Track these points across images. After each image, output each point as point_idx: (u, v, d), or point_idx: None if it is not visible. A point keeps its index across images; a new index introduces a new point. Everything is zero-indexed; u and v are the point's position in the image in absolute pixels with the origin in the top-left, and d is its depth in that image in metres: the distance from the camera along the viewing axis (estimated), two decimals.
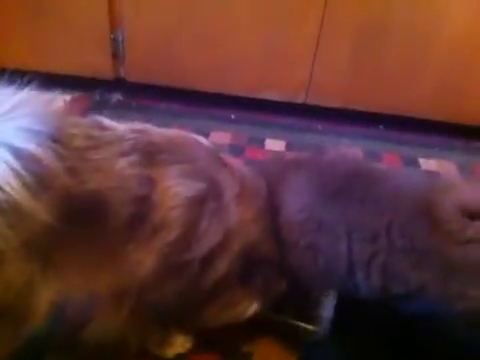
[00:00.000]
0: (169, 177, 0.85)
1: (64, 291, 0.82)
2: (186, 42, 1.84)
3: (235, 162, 1.06)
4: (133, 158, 0.82)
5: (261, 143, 1.82)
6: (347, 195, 1.02)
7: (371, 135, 1.94)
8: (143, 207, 0.82)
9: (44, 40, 1.87)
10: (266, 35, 1.80)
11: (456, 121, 1.92)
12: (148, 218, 0.82)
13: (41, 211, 0.68)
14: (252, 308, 1.01)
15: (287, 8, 1.74)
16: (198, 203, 0.87)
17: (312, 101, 1.93)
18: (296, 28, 1.79)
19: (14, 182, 0.65)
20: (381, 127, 1.99)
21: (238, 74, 1.89)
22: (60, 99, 1.84)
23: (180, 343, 1.04)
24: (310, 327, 1.01)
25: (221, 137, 1.81)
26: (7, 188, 0.65)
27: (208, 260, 0.89)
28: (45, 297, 0.79)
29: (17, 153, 0.67)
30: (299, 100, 1.93)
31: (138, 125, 0.93)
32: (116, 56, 1.89)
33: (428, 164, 1.81)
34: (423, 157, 1.84)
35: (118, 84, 1.96)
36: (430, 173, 1.75)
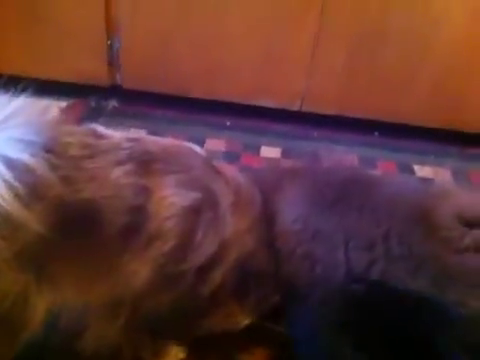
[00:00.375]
0: (164, 187, 0.85)
1: (59, 301, 0.81)
2: (182, 49, 1.84)
3: (230, 170, 1.06)
4: (128, 167, 0.82)
5: (256, 150, 1.82)
6: (344, 203, 1.02)
7: (366, 142, 1.94)
8: (138, 217, 0.81)
9: (40, 47, 1.86)
10: (262, 42, 1.80)
11: (451, 128, 1.93)
12: (143, 228, 0.82)
13: (34, 222, 0.67)
14: (246, 319, 1.01)
15: (283, 15, 1.75)
16: (193, 213, 0.87)
17: (308, 108, 1.93)
18: (292, 35, 1.79)
19: (7, 193, 0.65)
20: (376, 134, 1.99)
21: (233, 81, 1.89)
22: (55, 106, 1.84)
23: (174, 353, 1.04)
24: None
25: (216, 144, 1.81)
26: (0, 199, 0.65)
27: (203, 270, 0.89)
28: (40, 307, 0.78)
29: (10, 164, 0.67)
30: (295, 107, 1.93)
31: (134, 134, 0.93)
32: (112, 63, 1.89)
33: (423, 171, 1.81)
34: (418, 164, 1.84)
35: (114, 91, 1.96)
36: (425, 180, 1.75)
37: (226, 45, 1.82)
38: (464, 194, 1.10)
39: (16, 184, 0.66)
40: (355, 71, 1.84)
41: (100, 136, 0.86)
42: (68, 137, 0.80)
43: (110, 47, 1.85)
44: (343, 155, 1.84)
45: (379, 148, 1.91)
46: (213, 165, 0.99)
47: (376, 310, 0.92)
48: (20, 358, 0.82)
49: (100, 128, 0.89)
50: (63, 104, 1.90)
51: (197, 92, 1.93)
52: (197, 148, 1.01)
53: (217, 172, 0.97)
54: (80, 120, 1.82)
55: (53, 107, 1.83)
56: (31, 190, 0.68)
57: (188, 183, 0.88)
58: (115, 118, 1.88)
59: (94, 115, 1.88)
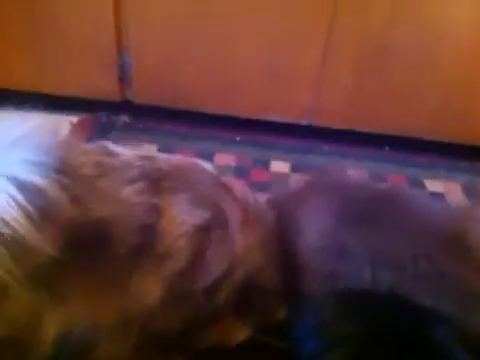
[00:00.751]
0: (175, 205, 0.85)
1: (71, 321, 0.82)
2: (192, 65, 1.85)
3: (240, 186, 1.06)
4: (140, 185, 0.83)
5: (266, 165, 1.82)
6: (373, 220, 1.00)
7: (377, 156, 1.93)
8: (149, 235, 0.82)
9: (51, 63, 1.88)
10: (271, 58, 1.81)
11: (461, 142, 1.92)
12: (154, 247, 0.82)
13: (45, 244, 0.68)
14: (246, 333, 1.00)
15: (291, 31, 1.76)
16: (203, 231, 0.87)
17: (317, 123, 1.93)
18: (300, 50, 1.80)
19: (18, 215, 0.66)
20: (387, 148, 1.98)
21: (243, 96, 1.90)
22: (66, 121, 1.86)
23: None
24: None
25: (226, 159, 1.81)
26: (11, 221, 0.65)
27: (212, 289, 0.89)
28: (52, 328, 0.78)
29: (21, 185, 0.67)
30: (304, 122, 1.93)
31: (145, 151, 0.93)
32: (123, 78, 1.90)
33: (434, 185, 1.80)
34: (429, 178, 1.83)
35: (125, 106, 1.97)
36: (435, 195, 1.74)
37: (235, 61, 1.83)
38: None
39: (28, 206, 0.66)
40: (363, 86, 1.85)
41: (111, 154, 0.86)
42: (80, 156, 0.81)
43: (121, 62, 1.87)
44: (353, 169, 1.83)
45: (389, 162, 1.91)
46: (223, 182, 0.99)
47: (383, 323, 0.91)
48: None
49: (111, 145, 0.89)
50: (74, 119, 1.91)
51: (207, 107, 1.94)
52: (207, 165, 1.01)
53: (226, 189, 0.98)
54: (91, 135, 1.83)
55: (64, 123, 1.84)
56: (42, 212, 0.68)
57: (198, 201, 0.88)
58: (126, 133, 1.89)
59: (105, 130, 1.89)
